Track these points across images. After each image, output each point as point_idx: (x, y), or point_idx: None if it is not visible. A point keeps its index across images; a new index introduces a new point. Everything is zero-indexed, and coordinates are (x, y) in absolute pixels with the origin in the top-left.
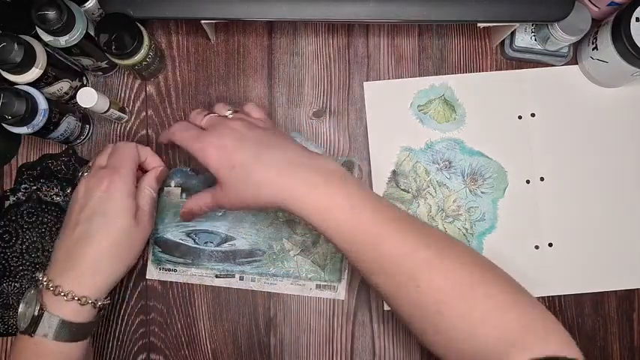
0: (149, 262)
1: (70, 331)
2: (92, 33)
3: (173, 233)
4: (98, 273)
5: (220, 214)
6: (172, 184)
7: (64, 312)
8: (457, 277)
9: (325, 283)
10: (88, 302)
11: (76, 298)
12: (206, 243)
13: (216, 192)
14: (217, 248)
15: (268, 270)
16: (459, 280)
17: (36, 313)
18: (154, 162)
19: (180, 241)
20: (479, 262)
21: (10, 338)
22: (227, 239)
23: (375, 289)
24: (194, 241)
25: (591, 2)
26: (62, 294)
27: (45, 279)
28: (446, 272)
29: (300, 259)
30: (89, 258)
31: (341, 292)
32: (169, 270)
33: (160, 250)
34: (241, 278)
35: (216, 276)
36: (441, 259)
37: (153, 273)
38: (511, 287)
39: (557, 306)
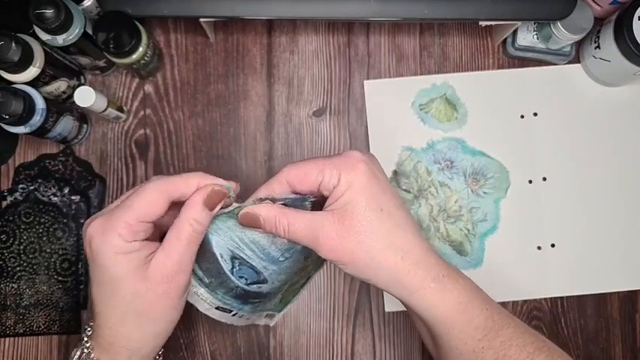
0: None
1: None
2: (90, 32)
3: (219, 241)
4: (119, 347)
5: (283, 259)
6: (278, 203)
7: None
8: None
9: (271, 313)
10: None
11: None
12: (240, 278)
13: (322, 223)
14: (244, 287)
15: (258, 307)
16: None
17: None
18: (204, 181)
19: (219, 257)
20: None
21: (7, 339)
22: (259, 282)
23: None
24: (232, 268)
25: (594, 1)
26: None
27: (86, 339)
28: None
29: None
30: (109, 332)
31: (273, 321)
32: None
33: None
34: (234, 315)
35: (217, 308)
36: None
37: None
38: None
39: (560, 307)
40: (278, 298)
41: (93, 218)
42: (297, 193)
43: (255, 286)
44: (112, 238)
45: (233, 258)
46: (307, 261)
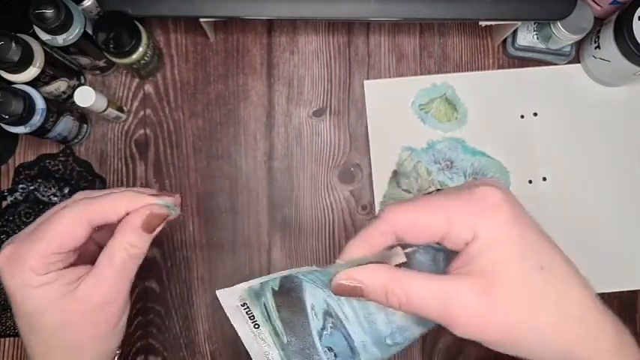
0: (241, 284)
1: None
2: (90, 31)
3: (315, 291)
4: None
5: (391, 343)
6: (408, 249)
7: None
8: None
9: None
10: None
11: None
12: (329, 350)
13: (461, 292)
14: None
15: None
16: None
17: None
18: (135, 202)
19: (309, 309)
20: None
21: (7, 339)
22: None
23: None
24: (322, 329)
25: (594, 1)
26: None
27: None
28: None
29: None
30: None
31: None
32: (252, 318)
33: (275, 292)
34: None
35: None
36: None
37: (228, 298)
38: None
39: None
40: None
41: (4, 245)
42: None
43: None
44: (22, 272)
45: (326, 314)
46: None
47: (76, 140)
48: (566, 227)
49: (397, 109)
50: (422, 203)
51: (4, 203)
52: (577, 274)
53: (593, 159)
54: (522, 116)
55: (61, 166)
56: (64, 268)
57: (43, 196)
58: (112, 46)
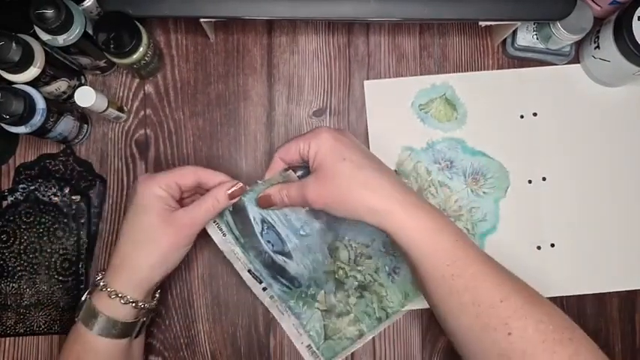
0: None
1: (102, 323)
2: (90, 32)
3: (253, 207)
4: (124, 267)
5: (304, 233)
6: (298, 172)
7: (97, 302)
8: (548, 330)
9: (316, 352)
10: (116, 296)
11: (107, 290)
12: (268, 242)
13: (307, 183)
14: (271, 253)
15: (289, 300)
16: (550, 334)
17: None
18: (231, 180)
19: (252, 220)
20: (567, 320)
21: (7, 339)
22: (284, 254)
23: (450, 331)
24: (261, 231)
25: (593, 1)
26: (97, 285)
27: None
28: (538, 323)
29: (318, 315)
30: (120, 254)
31: None
32: (221, 230)
33: (232, 210)
34: (264, 289)
35: (249, 271)
36: (533, 309)
37: None
38: (597, 353)
39: (559, 307)
40: (313, 311)
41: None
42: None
43: (280, 257)
44: (151, 184)
45: (262, 221)
46: (334, 263)
47: (76, 140)
48: (566, 227)
49: (397, 109)
50: (289, 140)
51: (5, 203)
52: (373, 165)
53: (592, 159)
54: (522, 116)
55: (61, 166)
56: (172, 196)
57: (44, 196)
58: (112, 46)
